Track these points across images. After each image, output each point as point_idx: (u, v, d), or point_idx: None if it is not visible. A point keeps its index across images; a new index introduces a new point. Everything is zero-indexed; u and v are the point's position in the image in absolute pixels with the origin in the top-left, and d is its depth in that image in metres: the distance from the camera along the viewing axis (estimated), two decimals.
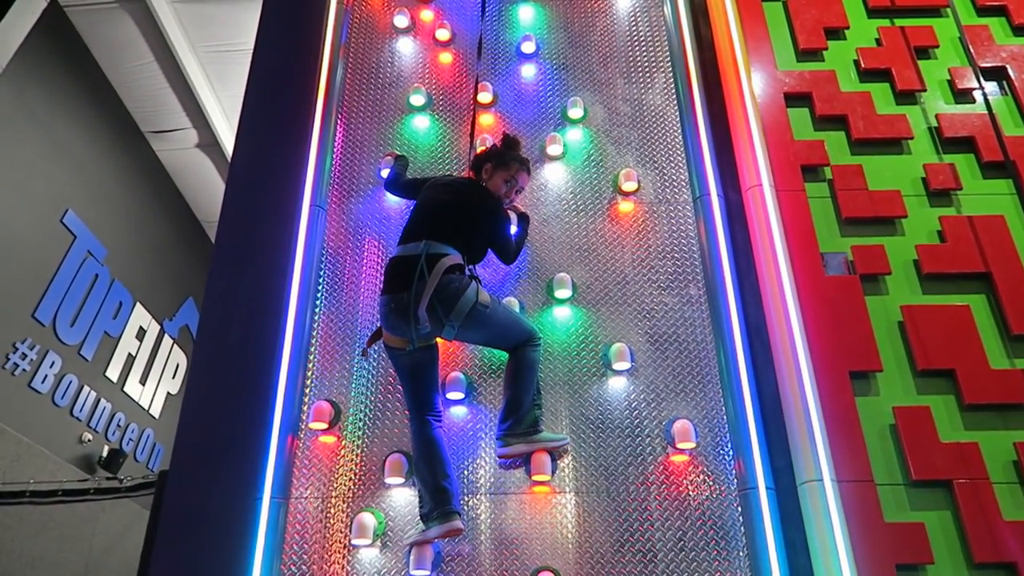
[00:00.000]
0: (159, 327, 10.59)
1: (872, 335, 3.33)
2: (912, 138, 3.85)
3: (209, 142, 10.04)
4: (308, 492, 3.16)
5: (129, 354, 9.82)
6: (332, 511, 3.12)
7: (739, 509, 3.04)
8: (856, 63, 4.12)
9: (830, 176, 3.76)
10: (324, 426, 3.24)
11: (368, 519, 3.01)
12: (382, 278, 3.16)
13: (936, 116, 3.92)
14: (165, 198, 10.80)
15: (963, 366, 3.26)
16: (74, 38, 8.44)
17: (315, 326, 3.51)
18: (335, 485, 3.18)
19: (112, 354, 9.42)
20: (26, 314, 7.82)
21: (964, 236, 3.57)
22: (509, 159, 3.41)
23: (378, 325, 3.22)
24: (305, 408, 3.31)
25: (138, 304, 10.01)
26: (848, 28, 4.21)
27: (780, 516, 2.95)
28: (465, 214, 3.24)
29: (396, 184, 3.68)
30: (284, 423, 3.19)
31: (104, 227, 9.18)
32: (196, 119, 9.74)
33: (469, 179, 3.43)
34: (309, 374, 3.40)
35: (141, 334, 10.14)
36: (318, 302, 3.57)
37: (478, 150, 3.66)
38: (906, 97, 4.01)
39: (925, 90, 4.00)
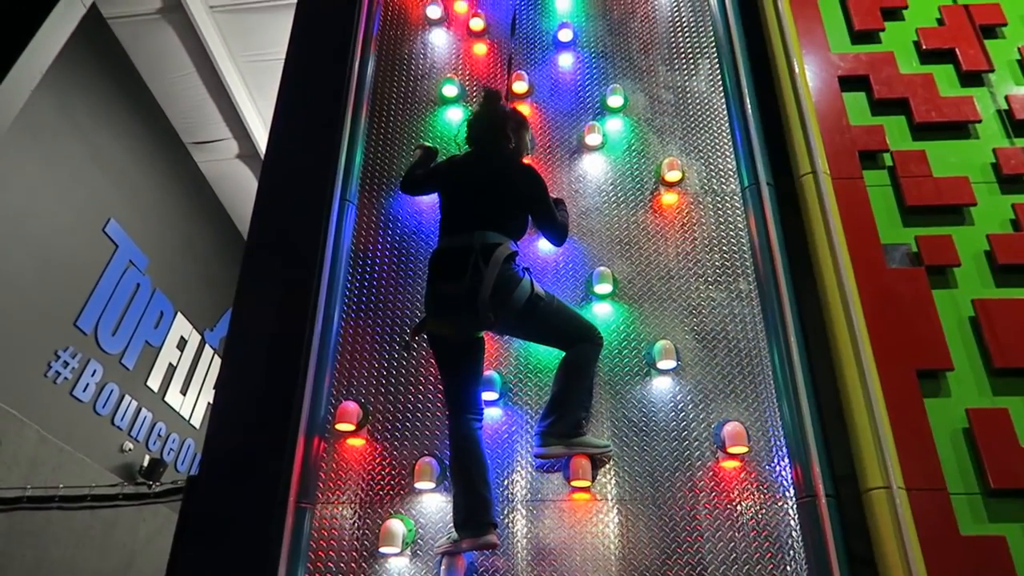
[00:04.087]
0: (200, 337, 10.63)
1: (941, 331, 3.07)
2: (980, 121, 3.59)
3: (250, 153, 10.07)
4: (335, 497, 3.00)
5: (170, 364, 9.85)
6: (360, 517, 2.95)
7: (796, 519, 2.78)
8: (916, 44, 3.87)
9: (890, 163, 3.51)
10: (351, 428, 3.08)
11: (397, 526, 2.83)
12: (428, 268, 2.99)
13: (1006, 97, 3.65)
14: (206, 209, 10.87)
15: None
16: (116, 48, 8.54)
17: (344, 323, 3.37)
18: (363, 490, 3.01)
19: (153, 364, 9.47)
20: (68, 323, 7.88)
21: None
22: (520, 118, 3.29)
23: (421, 317, 3.06)
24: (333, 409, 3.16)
25: (179, 314, 10.05)
26: (906, 8, 3.96)
27: (842, 527, 2.70)
28: (512, 193, 3.06)
29: (409, 181, 3.49)
30: (310, 425, 3.04)
31: (146, 237, 9.23)
32: (236, 130, 9.79)
33: (494, 152, 3.18)
34: (338, 374, 3.26)
35: (182, 344, 10.18)
36: (347, 299, 3.43)
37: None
38: (972, 78, 3.75)
39: (993, 70, 3.73)
